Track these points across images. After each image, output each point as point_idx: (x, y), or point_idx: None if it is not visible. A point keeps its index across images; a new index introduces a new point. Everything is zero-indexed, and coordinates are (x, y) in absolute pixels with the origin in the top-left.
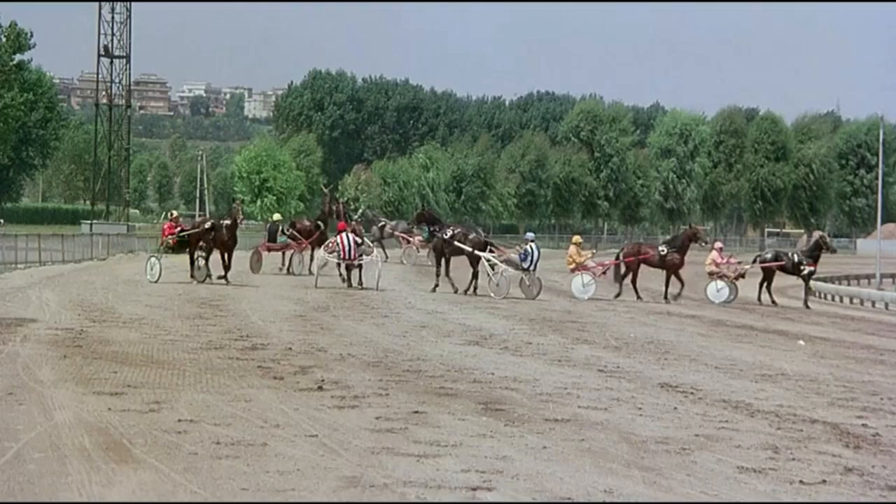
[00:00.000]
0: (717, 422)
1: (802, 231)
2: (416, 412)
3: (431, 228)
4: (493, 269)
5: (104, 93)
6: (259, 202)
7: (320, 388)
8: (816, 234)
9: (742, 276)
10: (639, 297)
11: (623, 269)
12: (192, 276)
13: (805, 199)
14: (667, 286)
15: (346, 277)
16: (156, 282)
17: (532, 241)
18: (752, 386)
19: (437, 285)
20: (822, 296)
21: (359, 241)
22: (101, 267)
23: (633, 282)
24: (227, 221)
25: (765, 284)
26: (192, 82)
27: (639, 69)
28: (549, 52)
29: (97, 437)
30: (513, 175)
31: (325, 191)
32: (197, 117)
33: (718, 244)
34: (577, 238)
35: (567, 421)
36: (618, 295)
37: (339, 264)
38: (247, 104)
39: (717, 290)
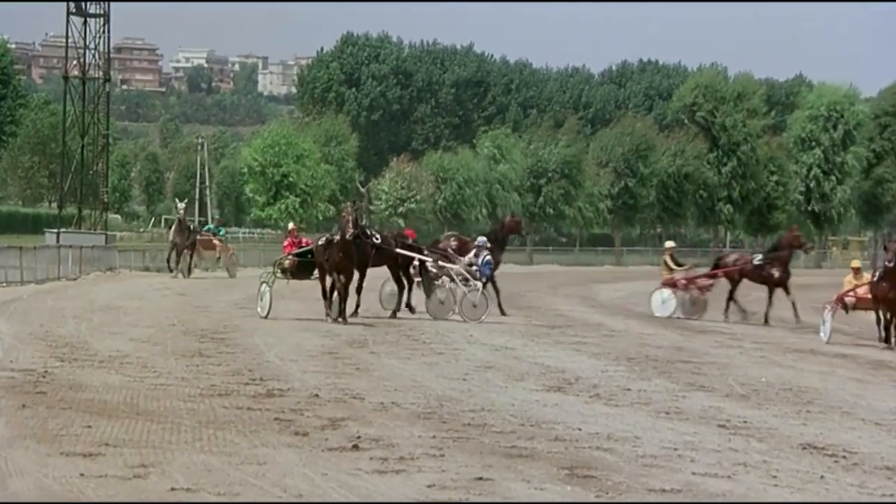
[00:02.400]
0: (878, 495)
1: None
2: (480, 479)
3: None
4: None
5: (75, 62)
6: (276, 205)
7: (356, 446)
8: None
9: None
10: (726, 317)
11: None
12: (327, 314)
13: None
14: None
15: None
16: (266, 317)
17: (484, 246)
18: None
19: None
20: None
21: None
22: (70, 289)
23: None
24: (336, 236)
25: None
26: (190, 49)
27: (774, 31)
28: (651, 8)
29: None
30: (606, 170)
31: (362, 190)
32: (196, 95)
33: (670, 243)
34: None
35: (678, 492)
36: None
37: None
38: (261, 78)
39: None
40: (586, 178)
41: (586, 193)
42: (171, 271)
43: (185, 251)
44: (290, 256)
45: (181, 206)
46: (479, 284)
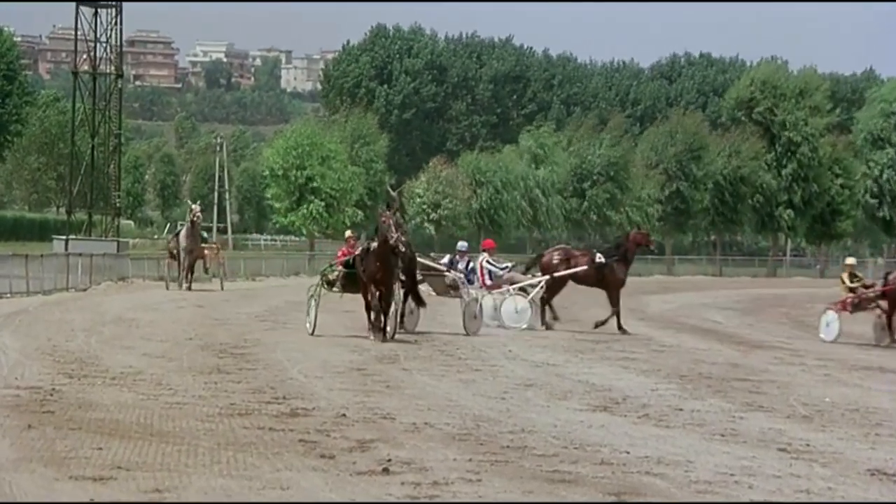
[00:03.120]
0: None
1: None
2: None
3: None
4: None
5: (85, 56)
6: (300, 211)
7: (386, 470)
8: None
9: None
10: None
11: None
12: (371, 333)
13: None
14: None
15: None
16: (312, 334)
17: (465, 251)
18: None
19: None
20: None
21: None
22: (80, 300)
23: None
24: (374, 244)
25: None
26: (208, 43)
27: (841, 20)
28: None
29: None
30: (655, 172)
31: (393, 193)
32: (214, 91)
33: (851, 259)
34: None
35: None
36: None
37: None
38: (283, 73)
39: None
40: (634, 181)
41: (634, 197)
42: (180, 284)
43: (195, 258)
44: (333, 267)
45: (196, 208)
46: (475, 293)
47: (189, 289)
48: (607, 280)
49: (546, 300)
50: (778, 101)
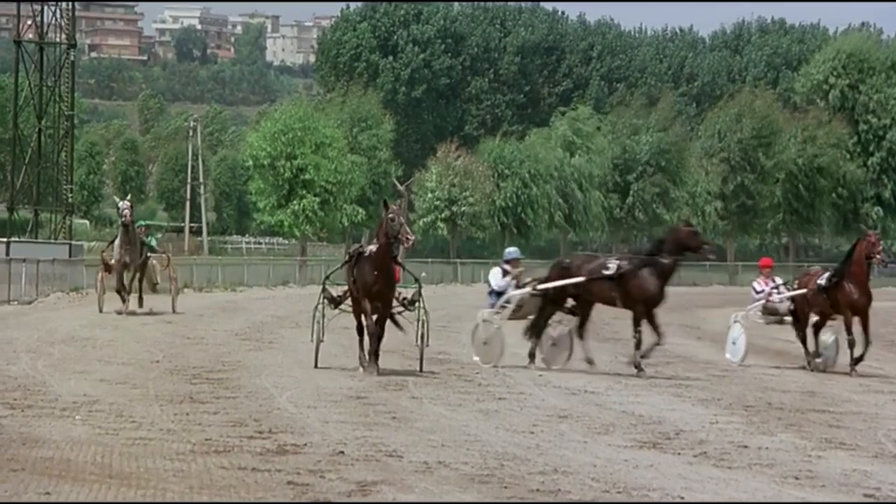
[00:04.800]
0: None
1: None
2: None
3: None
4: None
5: (30, 22)
6: (289, 208)
7: None
8: None
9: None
10: None
11: None
12: (361, 362)
13: None
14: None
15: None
16: (316, 366)
17: (517, 259)
18: None
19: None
20: None
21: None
22: (24, 315)
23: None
24: (372, 247)
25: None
26: (179, 7)
27: None
28: None
29: None
30: (716, 162)
31: (400, 187)
32: (187, 65)
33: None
34: None
35: None
36: None
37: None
38: (269, 43)
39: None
40: (689, 173)
41: (689, 192)
42: (123, 302)
43: (134, 273)
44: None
45: (125, 205)
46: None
47: (127, 310)
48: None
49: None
50: (864, 77)
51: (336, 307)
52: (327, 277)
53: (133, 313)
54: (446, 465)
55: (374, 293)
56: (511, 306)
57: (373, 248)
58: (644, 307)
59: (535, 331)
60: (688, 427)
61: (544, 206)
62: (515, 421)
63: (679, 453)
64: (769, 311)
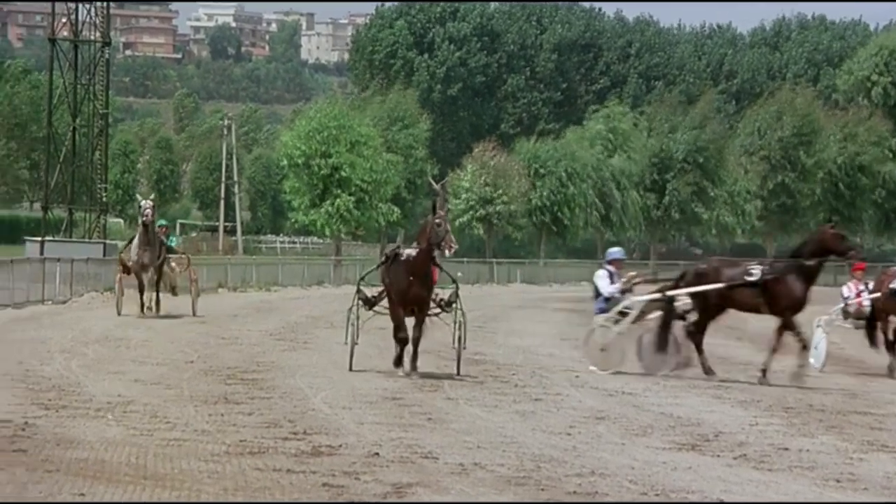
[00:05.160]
0: None
1: None
2: None
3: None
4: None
5: (65, 20)
6: (324, 207)
7: None
8: None
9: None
10: None
11: None
12: (396, 364)
13: None
14: None
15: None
16: (350, 369)
17: (620, 259)
18: None
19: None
20: None
21: None
22: (58, 315)
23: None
24: (410, 251)
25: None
26: (214, 5)
27: None
28: None
29: None
30: (755, 160)
31: (436, 186)
32: (221, 63)
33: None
34: None
35: None
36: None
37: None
38: (304, 41)
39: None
40: (728, 171)
41: (728, 191)
42: (142, 308)
43: (153, 275)
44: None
45: (147, 205)
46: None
47: (146, 312)
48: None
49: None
50: None
51: (371, 308)
52: (362, 278)
53: (156, 315)
54: (482, 467)
55: (408, 298)
56: (634, 313)
57: (411, 251)
58: (791, 313)
59: (662, 341)
60: (727, 429)
61: (581, 206)
62: (552, 422)
63: (718, 455)
64: (855, 316)
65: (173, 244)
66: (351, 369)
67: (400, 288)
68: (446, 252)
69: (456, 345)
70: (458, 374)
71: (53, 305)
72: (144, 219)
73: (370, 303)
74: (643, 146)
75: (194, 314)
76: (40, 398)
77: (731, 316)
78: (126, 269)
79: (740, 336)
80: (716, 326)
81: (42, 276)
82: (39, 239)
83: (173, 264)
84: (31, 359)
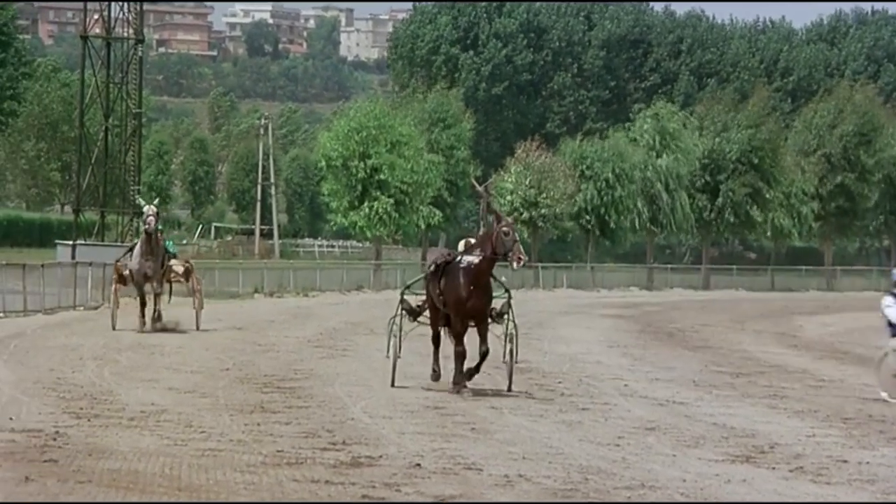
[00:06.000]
0: None
1: None
2: None
3: None
4: None
5: (97, 16)
6: (362, 210)
7: None
8: None
9: None
10: None
11: None
12: (433, 375)
13: None
14: None
15: None
16: (392, 384)
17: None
18: None
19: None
20: None
21: None
22: (90, 321)
23: None
24: (471, 258)
25: None
26: (250, 0)
27: None
28: None
29: None
30: (812, 160)
31: (479, 188)
32: (258, 60)
33: None
34: None
35: None
36: None
37: None
38: (343, 38)
39: None
40: (784, 172)
41: (784, 193)
42: (143, 323)
43: (156, 284)
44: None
45: (150, 211)
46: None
47: (152, 326)
48: None
49: None
50: None
51: (415, 319)
52: (407, 287)
53: (155, 330)
54: (527, 479)
55: (467, 309)
56: None
57: (472, 259)
58: None
59: None
60: (783, 440)
61: (629, 208)
62: (600, 433)
63: (774, 468)
64: None
65: (171, 248)
66: (393, 385)
67: (458, 298)
68: (514, 265)
69: (507, 358)
70: (510, 390)
71: (85, 311)
72: (147, 227)
73: (415, 313)
74: (694, 146)
75: (198, 328)
76: (72, 407)
77: (787, 323)
78: (122, 279)
79: (796, 344)
80: (770, 333)
81: (73, 281)
82: (71, 243)
83: (178, 269)
84: (63, 366)
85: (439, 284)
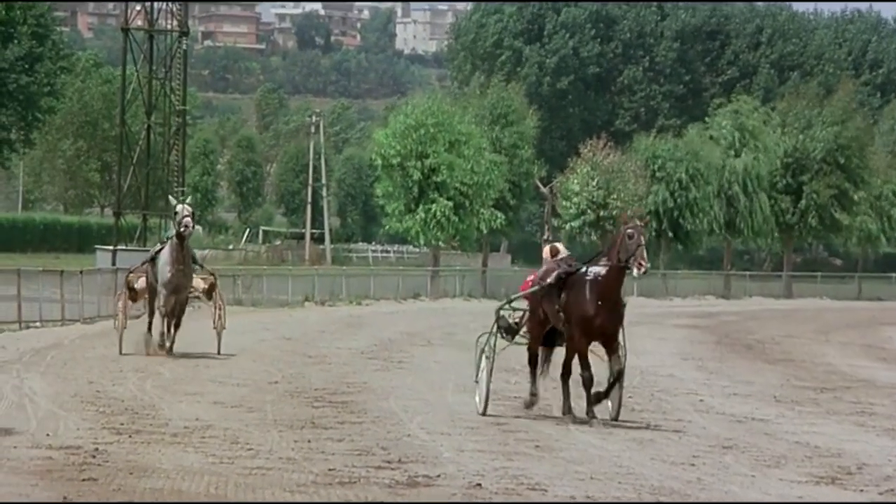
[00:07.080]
0: None
1: None
2: None
3: None
4: None
5: (139, 8)
6: (419, 213)
7: None
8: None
9: None
10: None
11: None
12: (531, 397)
13: None
14: None
15: None
16: (483, 413)
17: None
18: None
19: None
20: None
21: None
22: (131, 331)
23: None
24: (598, 269)
25: None
26: None
27: None
28: None
29: None
30: None
31: (543, 189)
32: (308, 54)
33: None
34: None
35: None
36: None
37: None
38: (400, 29)
39: None
40: (872, 173)
41: (873, 195)
42: (163, 343)
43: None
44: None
45: (185, 211)
46: None
47: (167, 349)
48: None
49: None
50: None
51: (512, 338)
52: (509, 302)
53: (168, 355)
54: (595, 501)
55: (594, 327)
56: None
57: (599, 270)
58: None
59: None
60: (872, 461)
61: (704, 211)
62: (673, 451)
63: (862, 490)
64: None
65: (197, 257)
66: (484, 414)
67: (585, 315)
68: (635, 272)
69: (611, 380)
70: (616, 419)
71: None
72: (183, 229)
73: (512, 332)
74: (775, 144)
75: (219, 352)
76: (112, 422)
77: (874, 334)
78: (133, 295)
79: (885, 357)
80: (857, 346)
81: (114, 288)
82: (111, 248)
83: (199, 283)
84: (103, 379)
85: (559, 299)
